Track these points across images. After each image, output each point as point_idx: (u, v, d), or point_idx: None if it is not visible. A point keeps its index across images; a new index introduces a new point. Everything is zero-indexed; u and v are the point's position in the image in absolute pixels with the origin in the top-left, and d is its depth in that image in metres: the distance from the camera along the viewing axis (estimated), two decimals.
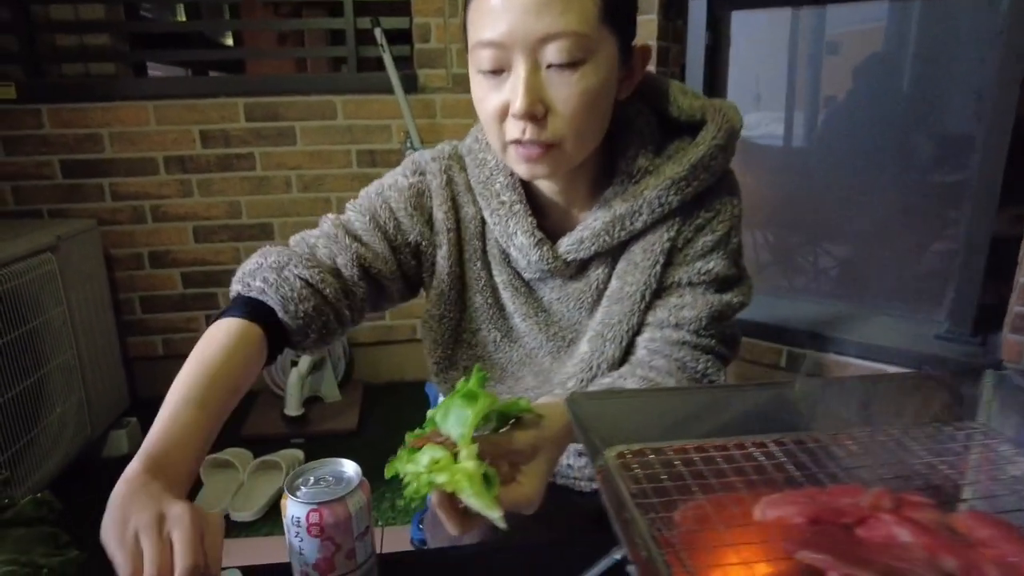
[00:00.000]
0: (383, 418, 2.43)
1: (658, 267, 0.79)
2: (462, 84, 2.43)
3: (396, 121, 2.42)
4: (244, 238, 2.49)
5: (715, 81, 2.03)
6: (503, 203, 0.81)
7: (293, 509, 0.57)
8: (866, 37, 1.88)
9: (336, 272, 0.77)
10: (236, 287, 0.75)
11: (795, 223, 2.12)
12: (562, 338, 0.85)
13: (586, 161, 0.77)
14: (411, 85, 2.37)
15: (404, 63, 2.38)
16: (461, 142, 0.89)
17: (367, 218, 0.82)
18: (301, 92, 2.38)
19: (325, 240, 0.80)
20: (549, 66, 0.67)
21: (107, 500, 0.52)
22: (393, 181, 0.86)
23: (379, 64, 2.26)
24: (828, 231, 2.07)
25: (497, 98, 0.70)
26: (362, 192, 0.87)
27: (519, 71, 0.67)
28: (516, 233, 0.80)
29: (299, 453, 2.10)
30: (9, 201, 2.35)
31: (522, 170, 0.74)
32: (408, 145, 2.28)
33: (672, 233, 0.79)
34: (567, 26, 0.65)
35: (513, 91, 0.68)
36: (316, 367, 2.45)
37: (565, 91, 0.68)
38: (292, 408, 2.34)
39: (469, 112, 2.47)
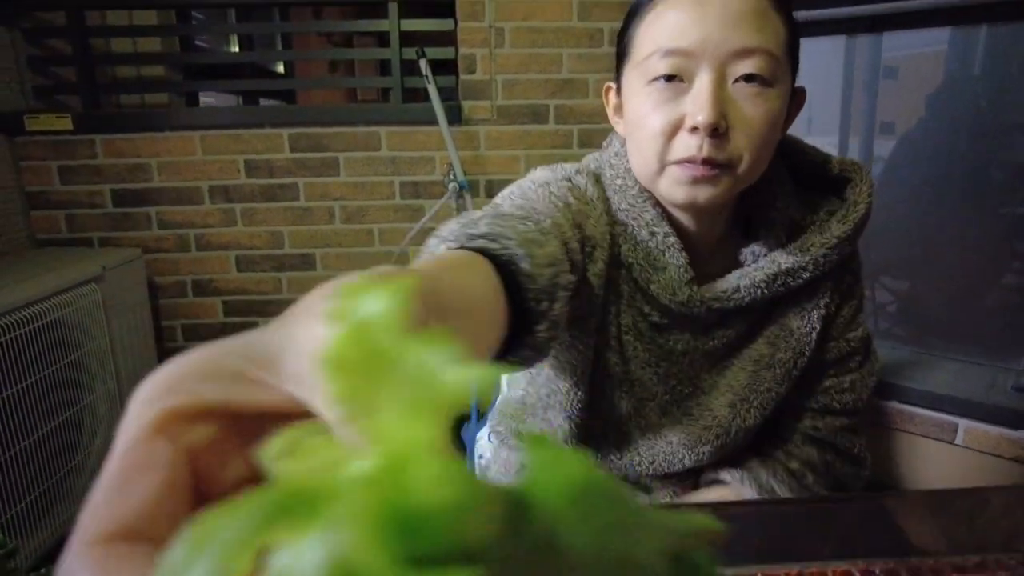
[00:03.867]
0: None
1: (814, 335, 0.75)
2: (506, 116, 2.39)
3: (440, 153, 2.39)
4: (286, 268, 2.49)
5: None
6: (654, 234, 0.73)
7: None
8: (926, 61, 1.78)
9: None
10: (441, 248, 0.49)
11: None
12: (679, 392, 0.78)
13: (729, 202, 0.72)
14: (455, 116, 2.34)
15: (449, 94, 2.36)
16: (588, 166, 0.79)
17: (525, 213, 0.62)
18: (346, 123, 2.37)
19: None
20: (736, 81, 0.62)
21: None
22: (544, 181, 0.72)
23: (425, 95, 2.24)
24: (884, 267, 1.95)
25: (669, 112, 0.64)
26: (495, 198, 0.71)
27: (704, 82, 0.62)
28: (667, 268, 0.73)
29: None
30: (63, 229, 2.39)
31: (681, 193, 0.66)
32: (451, 177, 2.25)
33: (826, 299, 0.75)
34: (763, 43, 0.61)
35: (696, 103, 0.62)
36: None
37: (751, 109, 0.62)
38: None
39: (513, 144, 2.45)
